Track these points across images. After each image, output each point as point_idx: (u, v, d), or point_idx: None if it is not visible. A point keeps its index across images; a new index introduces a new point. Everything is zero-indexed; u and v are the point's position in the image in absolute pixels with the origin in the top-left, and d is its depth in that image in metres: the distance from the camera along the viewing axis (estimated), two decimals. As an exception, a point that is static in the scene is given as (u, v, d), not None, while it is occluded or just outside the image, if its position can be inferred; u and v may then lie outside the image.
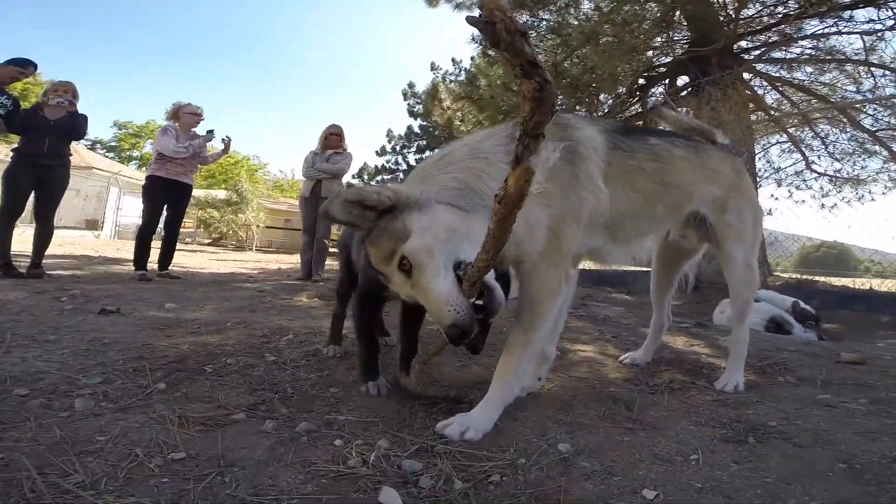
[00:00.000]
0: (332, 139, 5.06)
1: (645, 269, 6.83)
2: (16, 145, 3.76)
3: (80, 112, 3.89)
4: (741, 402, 1.42)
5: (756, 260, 1.77)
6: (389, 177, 20.84)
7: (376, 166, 21.50)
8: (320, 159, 4.96)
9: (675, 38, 7.97)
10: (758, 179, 7.02)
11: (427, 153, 21.20)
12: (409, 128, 22.25)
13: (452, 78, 16.06)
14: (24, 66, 3.58)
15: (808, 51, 7.14)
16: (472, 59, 10.62)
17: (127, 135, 32.54)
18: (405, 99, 21.51)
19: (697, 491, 0.89)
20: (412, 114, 21.58)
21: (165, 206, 4.19)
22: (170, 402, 1.16)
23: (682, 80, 8.09)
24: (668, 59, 7.97)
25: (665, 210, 1.52)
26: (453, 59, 15.81)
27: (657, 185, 1.46)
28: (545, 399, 1.39)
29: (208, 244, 14.74)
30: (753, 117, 8.56)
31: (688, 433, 1.17)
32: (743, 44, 7.56)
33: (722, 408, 1.37)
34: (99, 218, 13.58)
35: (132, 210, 17.18)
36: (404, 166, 21.65)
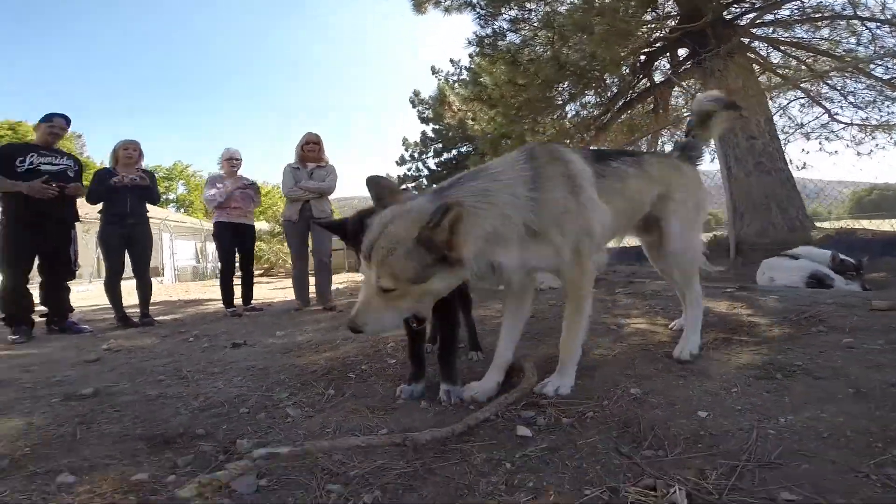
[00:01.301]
0: (310, 149, 4.54)
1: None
2: (99, 207, 4.14)
3: (149, 171, 4.44)
4: (774, 350, 1.76)
5: (696, 233, 2.00)
6: (413, 184, 21.39)
7: (398, 176, 22.10)
8: (303, 175, 4.46)
9: (666, 14, 8.10)
10: (780, 138, 7.13)
11: (444, 156, 21.67)
12: (423, 133, 22.75)
13: (455, 78, 16.36)
14: (49, 121, 3.83)
15: (797, 11, 7.23)
16: (471, 56, 10.85)
17: (159, 179, 34.53)
18: (413, 106, 21.94)
19: (737, 411, 1.26)
20: (423, 119, 22.05)
21: (236, 248, 4.70)
22: (346, 400, 1.59)
23: (684, 51, 8.25)
24: (664, 35, 8.08)
25: (626, 219, 1.81)
26: (452, 60, 16.14)
27: (623, 200, 1.71)
28: (612, 362, 1.78)
29: (260, 275, 15.66)
30: (763, 79, 8.62)
31: (729, 375, 1.54)
32: (735, 10, 7.69)
33: (757, 356, 1.71)
34: (158, 264, 14.64)
35: (185, 253, 18.30)
36: (426, 172, 22.18)
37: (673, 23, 8.06)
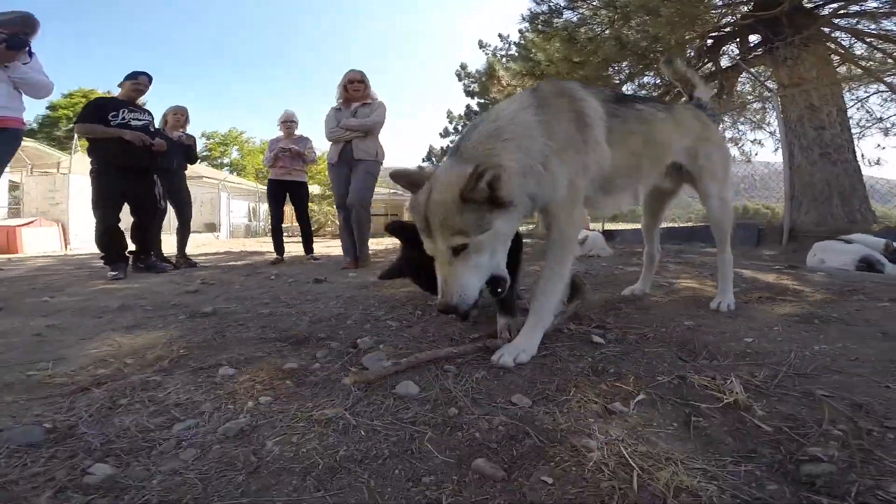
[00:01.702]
0: (354, 89, 4.16)
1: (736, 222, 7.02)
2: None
3: (191, 135, 4.98)
4: (814, 306, 1.96)
5: (729, 193, 2.06)
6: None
7: (441, 148, 22.35)
8: (345, 115, 4.14)
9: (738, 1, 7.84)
10: (851, 131, 6.90)
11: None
12: (468, 107, 22.74)
13: (503, 53, 16.22)
14: (134, 78, 4.19)
15: (886, 3, 6.84)
16: (522, 32, 10.74)
17: (215, 143, 36.02)
18: (459, 80, 21.85)
19: (779, 341, 1.48)
20: (468, 93, 22.04)
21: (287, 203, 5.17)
22: (434, 319, 1.90)
23: (755, 37, 7.97)
24: (735, 21, 7.83)
25: (650, 164, 1.81)
26: (500, 35, 15.96)
27: (645, 143, 1.73)
28: (666, 305, 2.03)
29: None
30: (843, 69, 8.26)
31: (772, 319, 1.75)
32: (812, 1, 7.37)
33: (798, 308, 1.92)
34: (215, 220, 15.58)
35: (240, 211, 19.47)
36: (469, 145, 22.27)
37: (746, 8, 7.82)
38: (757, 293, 2.27)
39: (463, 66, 21.46)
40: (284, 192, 5.10)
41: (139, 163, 4.07)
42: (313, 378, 1.25)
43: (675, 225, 8.55)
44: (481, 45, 17.22)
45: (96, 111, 4.03)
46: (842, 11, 7.33)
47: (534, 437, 0.88)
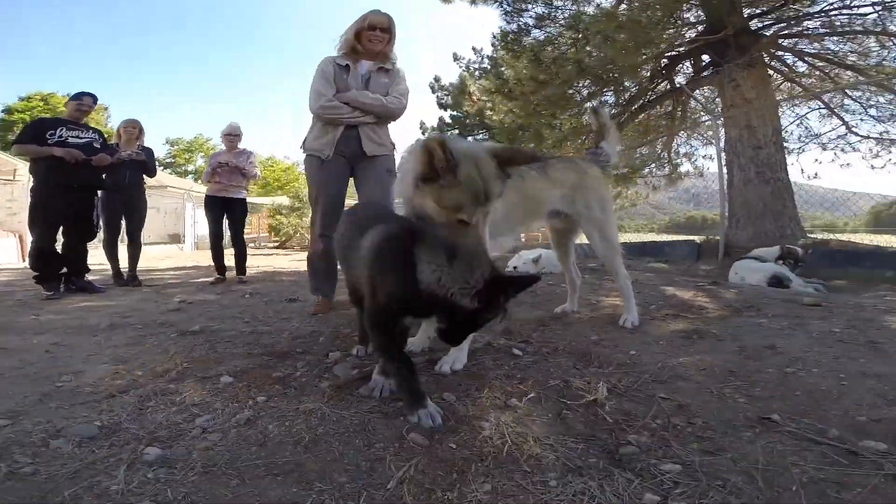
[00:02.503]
0: (376, 38, 2.83)
1: (681, 237, 7.70)
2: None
3: (148, 147, 5.13)
4: (703, 323, 2.48)
5: (611, 230, 2.47)
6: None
7: (415, 160, 22.86)
8: (354, 80, 2.81)
9: (691, 22, 8.60)
10: (785, 149, 7.65)
11: (462, 142, 22.33)
12: (441, 119, 23.39)
13: (476, 66, 16.87)
14: (79, 99, 4.38)
15: (825, 24, 7.64)
16: (494, 46, 11.31)
17: (179, 150, 35.72)
18: (433, 92, 22.51)
19: (656, 353, 1.97)
20: (441, 105, 22.68)
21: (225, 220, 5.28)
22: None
23: (707, 57, 8.69)
24: (685, 43, 8.57)
25: (525, 213, 2.21)
26: (474, 48, 16.61)
27: (520, 196, 2.06)
28: (584, 322, 2.52)
29: (276, 247, 16.74)
30: (786, 86, 9.12)
31: (662, 334, 2.26)
32: (759, 22, 8.10)
33: (688, 325, 2.43)
34: (180, 232, 15.65)
35: (206, 222, 19.49)
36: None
37: (696, 30, 8.56)
38: (665, 310, 2.80)
39: (437, 79, 22.10)
40: (221, 208, 5.17)
41: (78, 180, 4.18)
42: (296, 383, 1.68)
43: (629, 240, 9.22)
44: (455, 58, 17.82)
45: (33, 130, 4.21)
46: (784, 32, 8.08)
47: (451, 420, 1.34)
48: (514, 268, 4.62)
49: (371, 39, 2.84)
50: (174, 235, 15.75)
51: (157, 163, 5.32)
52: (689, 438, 1.24)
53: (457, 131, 22.46)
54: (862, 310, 2.80)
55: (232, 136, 5.34)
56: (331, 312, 2.93)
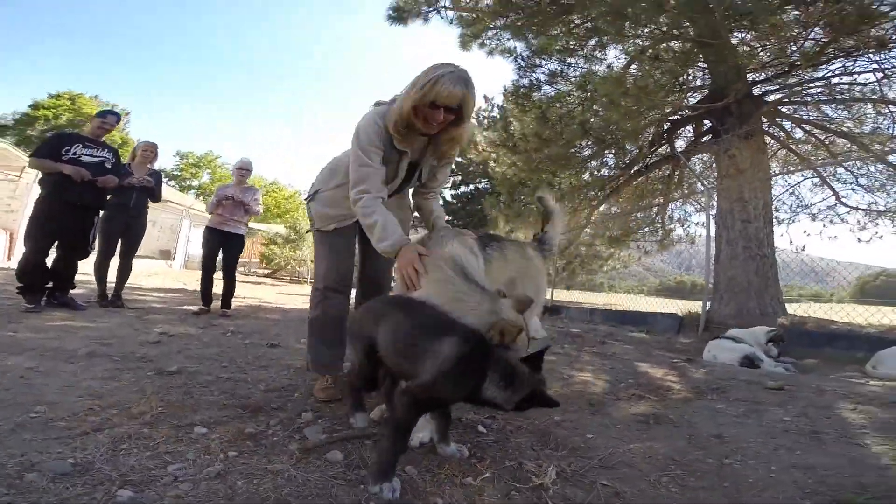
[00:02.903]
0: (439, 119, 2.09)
1: (664, 311, 7.89)
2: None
3: (158, 172, 5.39)
4: (664, 406, 2.60)
5: (530, 315, 2.38)
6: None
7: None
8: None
9: (696, 86, 8.84)
10: (773, 221, 7.72)
11: (462, 189, 22.93)
12: (448, 163, 23.96)
13: (485, 115, 17.40)
14: (103, 117, 4.70)
15: (823, 92, 7.78)
16: (504, 97, 11.72)
17: (188, 164, 36.24)
18: (441, 137, 23.27)
19: (612, 437, 2.09)
20: (451, 151, 23.40)
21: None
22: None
23: (708, 122, 8.84)
24: (687, 108, 8.83)
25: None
26: (485, 97, 17.22)
27: (488, 274, 2.09)
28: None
29: (266, 275, 16.89)
30: (781, 155, 9.41)
31: (622, 417, 2.39)
32: (762, 88, 8.21)
33: (650, 408, 2.55)
34: (171, 248, 15.76)
35: (200, 241, 19.62)
36: (441, 202, 23.40)
37: (701, 93, 8.78)
38: (633, 390, 2.92)
39: (446, 124, 22.76)
40: (219, 241, 5.41)
41: (82, 199, 4.38)
42: (267, 441, 1.80)
43: (614, 306, 9.42)
44: (465, 106, 18.37)
45: (49, 146, 4.45)
46: (786, 100, 8.18)
47: (409, 494, 1.46)
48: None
49: (432, 121, 2.06)
50: (165, 251, 15.85)
51: (163, 184, 5.57)
52: (615, 526, 1.34)
53: (459, 178, 23.04)
54: (822, 394, 2.89)
55: (243, 170, 5.69)
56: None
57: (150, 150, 5.41)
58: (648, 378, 3.34)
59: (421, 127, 2.08)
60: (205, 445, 1.69)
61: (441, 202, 2.67)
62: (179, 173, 37.10)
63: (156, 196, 5.39)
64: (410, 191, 2.56)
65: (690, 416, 2.44)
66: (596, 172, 10.37)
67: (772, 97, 8.23)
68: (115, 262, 5.30)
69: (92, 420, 1.84)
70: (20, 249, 9.37)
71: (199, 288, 5.52)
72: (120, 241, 5.20)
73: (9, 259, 9.35)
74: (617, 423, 2.30)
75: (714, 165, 9.39)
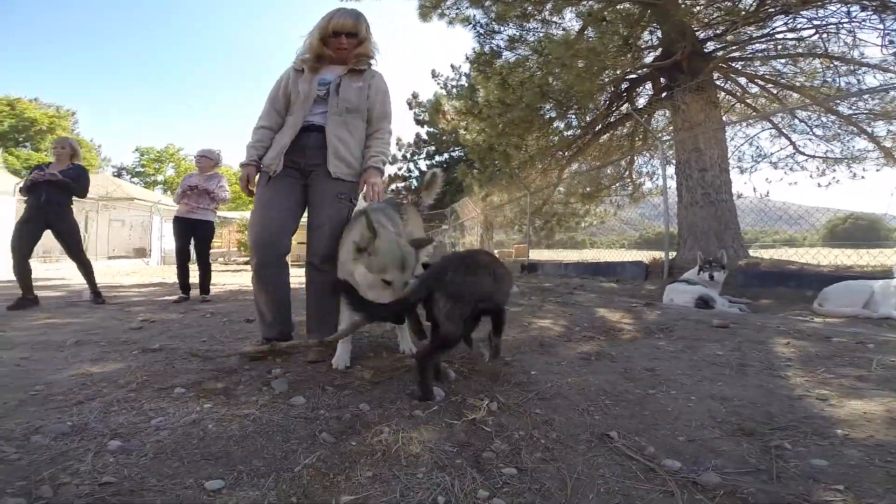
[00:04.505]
0: (340, 45, 2.56)
1: (632, 259, 8.22)
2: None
3: (79, 166, 5.34)
4: (609, 345, 2.87)
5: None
6: (403, 184, 22.64)
7: (389, 175, 23.44)
8: (308, 85, 2.56)
9: (651, 45, 9.16)
10: (729, 170, 8.07)
11: (436, 158, 23.07)
12: (418, 135, 24.08)
13: (454, 83, 17.52)
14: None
15: (767, 46, 8.20)
16: (470, 63, 11.85)
17: (149, 160, 35.66)
18: (410, 108, 23.33)
19: (554, 373, 2.37)
20: (419, 122, 23.41)
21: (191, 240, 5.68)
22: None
23: (664, 79, 9.08)
24: (641, 70, 9.14)
25: None
26: (452, 66, 17.36)
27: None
28: (508, 343, 2.90)
29: (245, 262, 16.93)
30: (739, 109, 9.79)
31: (568, 356, 2.64)
32: (713, 45, 8.65)
33: (595, 347, 2.82)
34: (146, 246, 15.71)
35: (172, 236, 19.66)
36: (416, 173, 23.55)
37: (655, 53, 9.16)
38: (585, 332, 3.21)
39: (414, 95, 22.82)
40: (188, 229, 5.60)
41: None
42: (238, 393, 2.05)
43: (586, 260, 9.73)
44: (434, 75, 18.46)
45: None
46: (735, 55, 8.58)
47: (359, 424, 1.71)
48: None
49: (338, 48, 2.57)
50: (140, 249, 15.83)
51: (89, 182, 5.44)
52: (538, 448, 1.50)
53: (433, 147, 23.12)
54: (761, 330, 3.13)
55: (204, 158, 5.78)
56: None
57: (61, 146, 5.38)
58: (604, 321, 3.61)
59: (333, 54, 2.61)
60: (183, 401, 1.92)
61: (391, 148, 3.48)
62: (142, 170, 36.52)
63: (76, 190, 5.21)
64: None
65: (631, 353, 2.68)
66: (563, 133, 10.58)
67: (720, 53, 8.61)
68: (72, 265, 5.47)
69: (85, 392, 2.06)
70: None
71: (177, 280, 5.68)
72: (60, 244, 5.30)
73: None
74: (562, 362, 2.54)
75: (669, 122, 9.74)
